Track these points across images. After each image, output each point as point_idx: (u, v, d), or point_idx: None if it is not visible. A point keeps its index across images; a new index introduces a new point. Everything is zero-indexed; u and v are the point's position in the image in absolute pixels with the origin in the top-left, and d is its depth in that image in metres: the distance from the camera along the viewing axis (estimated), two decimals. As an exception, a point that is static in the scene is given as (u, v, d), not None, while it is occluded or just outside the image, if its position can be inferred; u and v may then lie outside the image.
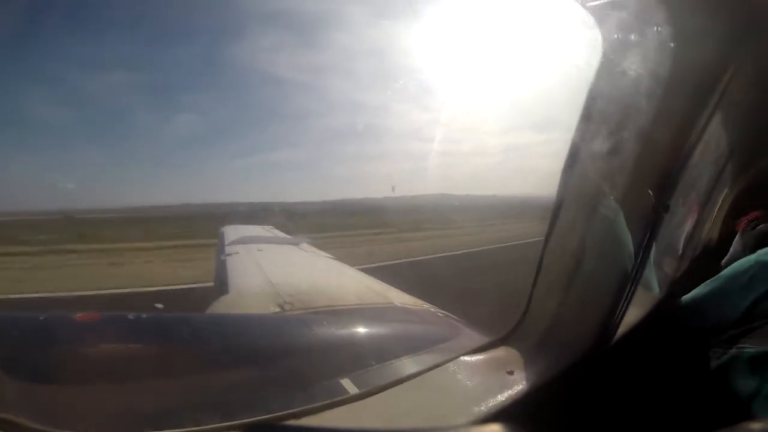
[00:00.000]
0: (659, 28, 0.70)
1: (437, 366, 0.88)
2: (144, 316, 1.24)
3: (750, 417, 1.13)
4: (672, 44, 0.71)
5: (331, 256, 2.51)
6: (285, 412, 0.70)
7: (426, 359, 0.94)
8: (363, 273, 2.13)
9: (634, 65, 0.74)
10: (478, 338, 1.08)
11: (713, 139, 1.50)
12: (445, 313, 1.54)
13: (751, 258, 1.44)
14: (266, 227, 3.09)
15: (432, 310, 1.58)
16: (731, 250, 2.19)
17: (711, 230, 2.67)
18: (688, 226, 1.99)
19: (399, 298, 1.75)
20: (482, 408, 0.77)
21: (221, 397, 0.82)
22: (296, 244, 2.61)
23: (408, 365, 0.92)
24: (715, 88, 0.80)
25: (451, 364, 0.89)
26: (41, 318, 1.05)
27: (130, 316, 1.18)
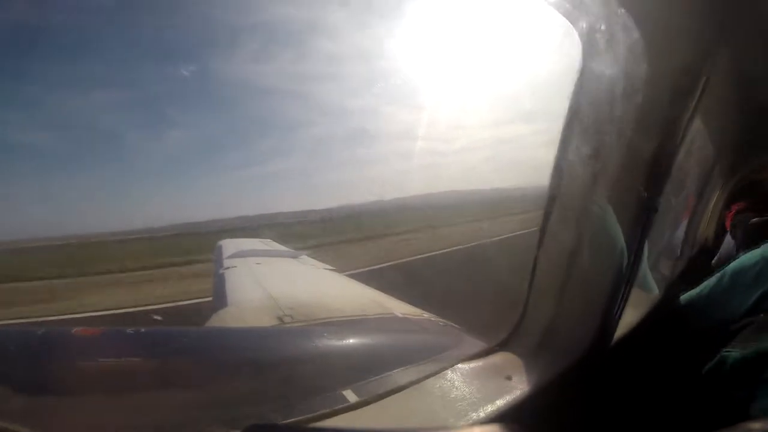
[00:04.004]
0: (634, 28, 0.72)
1: (435, 374, 0.88)
2: (143, 330, 1.24)
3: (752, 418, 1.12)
4: (648, 43, 0.73)
5: (330, 267, 2.51)
6: (282, 422, 0.70)
7: (425, 368, 0.94)
8: (363, 284, 2.13)
9: (610, 66, 0.76)
10: (479, 345, 1.08)
11: (699, 139, 1.52)
12: (447, 322, 1.54)
13: (757, 253, 1.39)
14: (264, 240, 3.09)
15: (433, 319, 1.58)
16: (722, 246, 2.18)
17: (707, 229, 2.69)
18: (682, 226, 2.01)
19: (399, 308, 1.75)
20: (480, 414, 0.77)
21: (220, 411, 0.82)
22: (295, 256, 2.61)
23: (407, 374, 0.92)
24: (693, 88, 0.82)
25: (449, 372, 0.89)
26: (39, 333, 1.05)
27: (129, 330, 1.18)
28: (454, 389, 0.85)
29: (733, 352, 1.23)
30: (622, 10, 0.72)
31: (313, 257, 2.61)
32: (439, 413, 0.78)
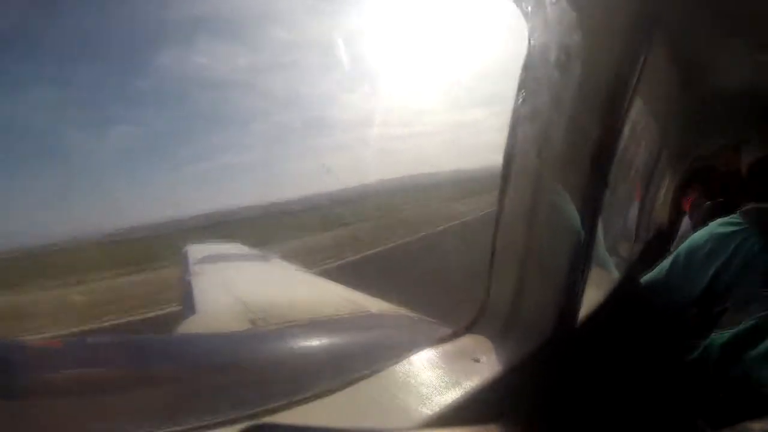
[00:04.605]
0: (572, 8, 0.75)
1: (401, 360, 0.88)
2: (108, 340, 1.19)
3: (725, 397, 1.18)
4: (584, 23, 0.76)
5: (302, 268, 2.48)
6: (240, 414, 0.68)
7: (395, 360, 0.94)
8: (334, 283, 2.12)
9: (551, 45, 0.79)
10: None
11: (643, 121, 1.60)
12: (421, 316, 1.55)
13: (705, 231, 1.47)
14: (233, 244, 3.02)
15: (406, 314, 1.59)
16: (680, 230, 2.32)
17: (660, 214, 2.84)
18: (636, 209, 2.11)
19: (371, 304, 1.75)
20: (447, 398, 0.78)
21: (184, 416, 0.79)
22: (266, 259, 2.57)
23: (377, 367, 0.92)
24: (631, 69, 0.87)
25: (414, 357, 0.90)
26: None
27: (90, 340, 1.14)
28: (421, 374, 0.85)
29: (721, 335, 1.29)
30: None
31: (283, 259, 2.57)
32: (403, 399, 0.78)
